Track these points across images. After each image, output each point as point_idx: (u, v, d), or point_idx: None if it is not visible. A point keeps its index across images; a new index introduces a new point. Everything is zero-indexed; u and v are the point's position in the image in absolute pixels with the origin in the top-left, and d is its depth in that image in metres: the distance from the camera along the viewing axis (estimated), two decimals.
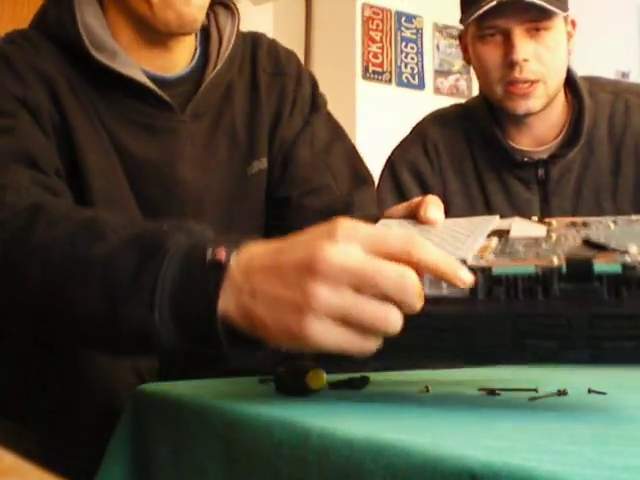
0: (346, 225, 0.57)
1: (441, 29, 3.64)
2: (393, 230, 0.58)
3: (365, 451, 0.50)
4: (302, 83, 1.12)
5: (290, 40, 3.49)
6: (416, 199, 0.79)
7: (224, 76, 1.03)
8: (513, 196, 1.43)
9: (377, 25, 3.45)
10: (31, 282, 0.66)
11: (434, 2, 3.62)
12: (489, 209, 1.43)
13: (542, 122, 1.42)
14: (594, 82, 1.48)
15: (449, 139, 1.49)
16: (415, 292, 0.55)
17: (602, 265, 0.56)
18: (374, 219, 0.85)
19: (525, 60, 1.33)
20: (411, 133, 1.54)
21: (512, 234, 0.69)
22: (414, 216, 0.77)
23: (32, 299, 0.67)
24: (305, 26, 3.49)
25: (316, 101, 1.13)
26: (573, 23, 1.42)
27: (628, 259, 0.56)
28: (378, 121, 3.35)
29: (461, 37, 1.48)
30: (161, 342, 0.60)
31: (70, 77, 0.94)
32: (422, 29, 3.59)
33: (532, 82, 1.34)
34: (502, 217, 0.76)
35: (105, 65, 0.93)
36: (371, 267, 0.54)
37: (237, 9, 1.06)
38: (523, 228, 0.72)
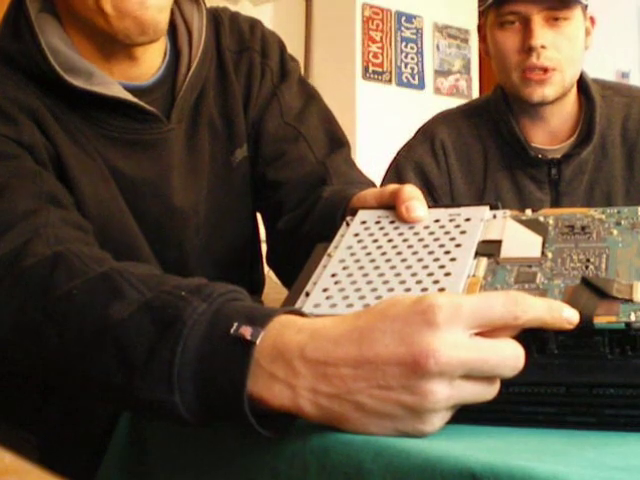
0: (444, 306, 0.50)
1: (441, 29, 3.65)
2: (494, 298, 0.52)
3: (365, 451, 0.50)
4: (268, 54, 1.06)
5: (290, 40, 3.49)
6: (390, 187, 0.75)
7: (201, 74, 0.98)
8: (525, 195, 1.43)
9: (377, 25, 3.45)
10: (49, 346, 0.63)
11: (434, 2, 3.62)
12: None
13: (556, 116, 1.43)
14: (607, 86, 1.49)
15: (458, 138, 1.48)
16: (521, 365, 0.52)
17: (604, 324, 0.53)
18: (350, 196, 0.83)
19: (543, 47, 1.34)
20: (417, 133, 1.53)
21: (503, 253, 0.65)
22: (390, 206, 0.73)
23: (50, 363, 0.64)
24: (305, 26, 3.49)
25: (285, 68, 1.07)
26: (592, 20, 1.43)
27: (632, 316, 0.53)
28: (378, 121, 3.35)
29: (479, 28, 1.49)
30: (184, 420, 0.56)
31: (50, 106, 0.89)
32: (422, 29, 3.59)
33: (548, 69, 1.35)
34: (492, 208, 0.72)
35: (84, 90, 0.88)
36: (481, 355, 0.50)
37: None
38: (515, 239, 0.67)
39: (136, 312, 0.59)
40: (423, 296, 0.52)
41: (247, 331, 0.53)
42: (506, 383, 0.54)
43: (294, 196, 1.00)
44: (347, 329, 0.52)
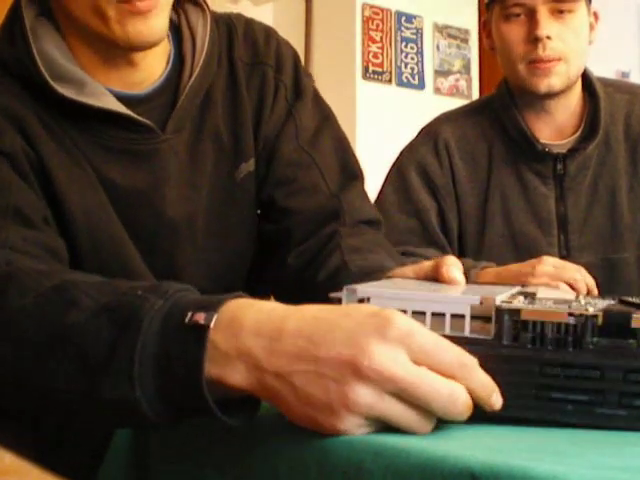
0: (401, 326, 0.52)
1: (441, 29, 3.65)
2: (448, 348, 0.53)
3: (365, 451, 0.50)
4: (283, 69, 1.03)
5: (290, 40, 3.49)
6: (428, 263, 0.78)
7: (203, 82, 0.96)
8: (530, 191, 1.43)
9: (377, 25, 3.45)
10: (4, 362, 0.62)
11: (434, 2, 3.62)
12: (504, 204, 1.44)
13: (561, 110, 1.43)
14: (609, 83, 1.50)
15: (462, 137, 1.48)
16: (464, 412, 0.52)
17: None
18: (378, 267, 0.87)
19: (548, 37, 1.35)
20: (420, 133, 1.53)
21: (539, 295, 0.66)
22: (429, 277, 0.76)
23: (6, 380, 0.63)
24: (305, 26, 3.49)
25: (300, 85, 1.04)
26: (596, 16, 1.44)
27: None
28: (378, 121, 3.35)
29: (484, 23, 1.50)
30: (147, 417, 0.56)
31: (40, 113, 0.88)
32: (422, 29, 3.59)
33: (554, 60, 1.36)
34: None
35: (73, 100, 0.86)
36: (414, 379, 0.51)
37: (207, 5, 0.98)
38: (549, 292, 0.70)
39: (93, 316, 0.59)
40: (386, 309, 0.53)
41: (200, 317, 0.55)
42: (540, 362, 0.55)
43: (304, 228, 0.99)
44: (307, 315, 0.54)
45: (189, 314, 0.56)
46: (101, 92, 0.88)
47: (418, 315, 0.59)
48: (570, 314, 0.55)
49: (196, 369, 0.54)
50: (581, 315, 0.55)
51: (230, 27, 1.01)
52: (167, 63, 0.95)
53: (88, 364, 0.58)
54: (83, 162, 0.89)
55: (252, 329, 0.54)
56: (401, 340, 0.51)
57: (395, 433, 0.52)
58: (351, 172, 1.04)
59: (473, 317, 0.58)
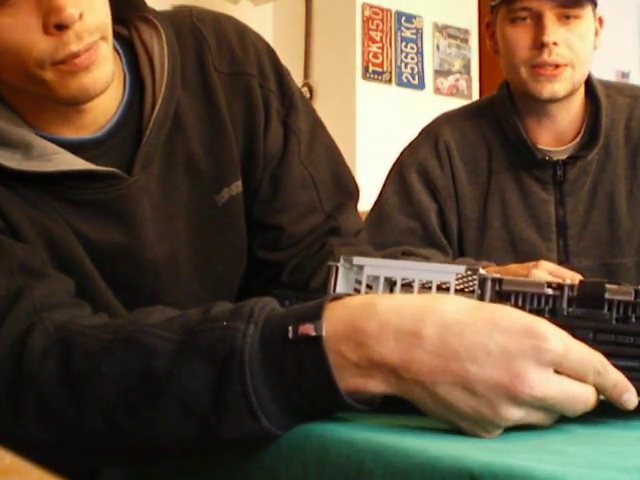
0: (557, 350, 0.53)
1: (441, 29, 3.65)
2: (588, 354, 0.55)
3: (365, 451, 0.50)
4: (266, 75, 0.94)
5: (290, 40, 3.49)
6: None
7: (169, 107, 0.86)
8: (529, 196, 1.43)
9: (377, 25, 3.45)
10: (92, 432, 0.60)
11: (434, 2, 3.62)
12: (504, 208, 1.44)
13: (563, 115, 1.43)
14: (611, 86, 1.49)
15: (462, 138, 1.48)
16: (589, 410, 0.55)
17: (615, 288, 0.58)
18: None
19: (555, 43, 1.35)
20: (421, 133, 1.53)
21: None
22: None
23: (103, 444, 0.61)
24: (305, 26, 3.48)
25: (287, 89, 0.96)
26: (600, 21, 1.43)
27: None
28: (378, 121, 3.35)
29: (488, 24, 1.49)
30: (275, 436, 0.57)
31: (5, 178, 0.79)
32: (422, 29, 3.59)
33: (560, 65, 1.36)
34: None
35: (18, 171, 0.77)
36: (561, 394, 0.53)
37: (159, 23, 0.87)
38: None
39: (183, 361, 0.58)
40: (536, 323, 0.53)
41: (308, 328, 0.55)
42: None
43: (302, 248, 0.97)
44: (447, 320, 0.54)
45: (290, 328, 0.55)
46: (51, 151, 0.80)
47: (407, 288, 0.65)
48: (548, 285, 0.59)
49: (327, 378, 0.54)
50: (559, 286, 0.59)
51: (198, 37, 0.92)
52: (123, 91, 0.86)
53: (193, 411, 0.57)
54: (56, 216, 0.81)
55: (381, 336, 0.54)
56: (554, 362, 0.53)
57: (395, 433, 0.52)
58: (345, 189, 1.01)
59: (457, 291, 0.62)
